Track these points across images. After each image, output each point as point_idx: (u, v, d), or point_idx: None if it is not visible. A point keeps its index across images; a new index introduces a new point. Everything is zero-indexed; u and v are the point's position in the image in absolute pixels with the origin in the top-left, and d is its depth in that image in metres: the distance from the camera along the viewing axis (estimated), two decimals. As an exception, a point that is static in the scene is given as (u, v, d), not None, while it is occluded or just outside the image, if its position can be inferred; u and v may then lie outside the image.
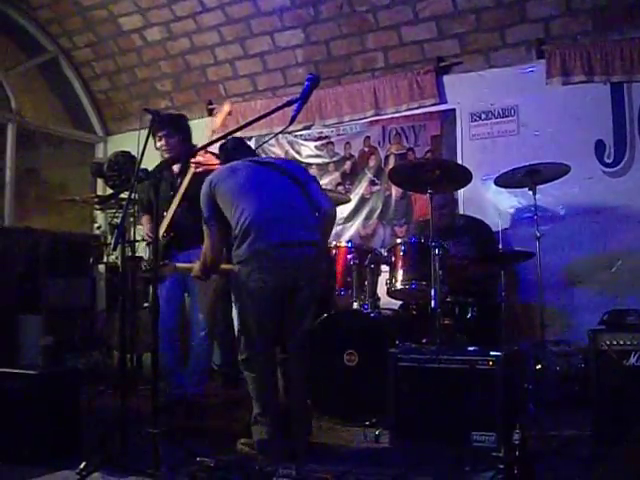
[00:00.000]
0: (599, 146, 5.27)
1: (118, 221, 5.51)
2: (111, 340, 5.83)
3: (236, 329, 3.51)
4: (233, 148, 3.80)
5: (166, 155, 4.37)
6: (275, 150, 6.69)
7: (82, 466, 3.11)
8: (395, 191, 6.10)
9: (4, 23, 7.07)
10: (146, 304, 5.14)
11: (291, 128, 3.31)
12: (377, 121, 6.26)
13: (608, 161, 5.26)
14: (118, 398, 3.49)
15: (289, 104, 3.16)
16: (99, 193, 6.98)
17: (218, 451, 3.36)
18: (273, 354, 3.56)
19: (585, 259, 5.22)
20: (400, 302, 4.83)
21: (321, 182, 5.23)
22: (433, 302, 4.02)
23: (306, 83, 3.17)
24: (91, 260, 6.09)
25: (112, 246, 5.06)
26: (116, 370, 5.49)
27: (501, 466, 3.05)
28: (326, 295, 4.33)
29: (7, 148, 6.97)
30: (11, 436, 3.40)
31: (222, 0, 6.32)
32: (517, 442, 2.63)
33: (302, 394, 3.55)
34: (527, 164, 4.50)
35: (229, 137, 3.55)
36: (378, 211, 6.21)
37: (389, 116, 6.18)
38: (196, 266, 3.65)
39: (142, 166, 3.51)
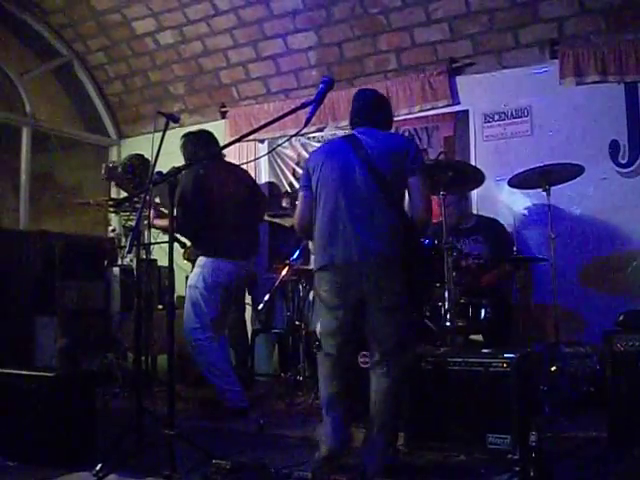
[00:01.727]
0: (613, 146, 5.25)
1: (132, 224, 5.53)
2: (126, 342, 5.85)
3: None
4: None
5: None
6: (288, 152, 6.71)
7: (98, 468, 3.14)
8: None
9: (19, 28, 7.13)
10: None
11: (304, 130, 3.30)
12: (390, 122, 6.25)
13: (622, 161, 5.23)
14: (133, 400, 3.51)
15: (304, 107, 3.16)
16: (113, 196, 7.01)
17: (234, 453, 3.37)
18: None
19: (600, 260, 5.20)
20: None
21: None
22: (447, 303, 4.02)
23: (321, 85, 3.17)
24: (105, 262, 6.11)
25: (127, 249, 5.07)
26: (131, 372, 5.52)
27: (517, 468, 3.05)
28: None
29: (22, 151, 7.02)
30: (27, 437, 3.43)
31: (235, 3, 6.34)
32: (533, 444, 2.62)
33: (381, 411, 3.23)
34: (541, 165, 4.48)
35: None
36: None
37: (402, 117, 6.16)
38: None
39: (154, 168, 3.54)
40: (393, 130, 6.07)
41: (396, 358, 3.22)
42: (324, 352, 3.33)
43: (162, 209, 4.94)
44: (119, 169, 5.83)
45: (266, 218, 6.02)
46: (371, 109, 3.49)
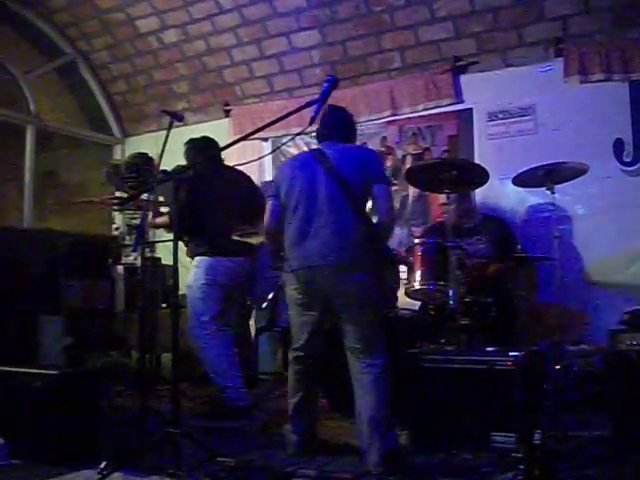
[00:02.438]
0: (618, 145, 5.24)
1: (136, 222, 5.53)
2: (130, 341, 5.86)
3: None
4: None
5: None
6: (292, 150, 6.67)
7: (102, 466, 3.14)
8: (412, 191, 6.09)
9: (23, 27, 7.15)
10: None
11: (308, 129, 3.31)
12: (394, 121, 6.26)
13: (627, 160, 5.22)
14: (137, 398, 3.52)
15: (308, 105, 3.17)
16: (117, 195, 7.02)
17: (238, 451, 3.38)
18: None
19: (604, 259, 5.19)
20: (418, 302, 4.82)
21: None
22: (451, 302, 4.01)
23: (325, 84, 3.18)
24: (110, 261, 6.11)
25: (132, 247, 5.08)
26: (135, 370, 5.52)
27: (521, 467, 3.05)
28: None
29: (26, 150, 7.03)
30: (32, 435, 3.43)
31: (238, 1, 6.34)
32: (538, 442, 2.62)
33: (365, 406, 3.36)
34: (545, 163, 4.47)
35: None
36: (395, 211, 6.20)
37: (406, 116, 6.17)
38: None
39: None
40: (396, 129, 6.20)
41: (369, 355, 3.38)
42: (292, 354, 3.63)
43: (162, 209, 4.96)
44: (122, 168, 5.84)
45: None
46: (338, 126, 3.70)
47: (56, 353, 5.63)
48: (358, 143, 6.21)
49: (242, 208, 4.80)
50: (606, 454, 3.33)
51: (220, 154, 4.91)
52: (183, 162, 4.75)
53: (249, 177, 5.24)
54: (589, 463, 3.20)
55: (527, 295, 4.73)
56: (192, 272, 4.69)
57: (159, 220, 4.87)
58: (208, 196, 4.65)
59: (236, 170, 4.96)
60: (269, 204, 3.67)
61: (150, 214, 4.74)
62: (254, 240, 4.93)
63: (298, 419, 3.59)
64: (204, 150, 4.84)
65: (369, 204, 3.54)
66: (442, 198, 5.08)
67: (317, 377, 3.71)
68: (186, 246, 4.83)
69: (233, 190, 4.84)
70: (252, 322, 6.20)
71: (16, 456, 3.41)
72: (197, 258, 4.67)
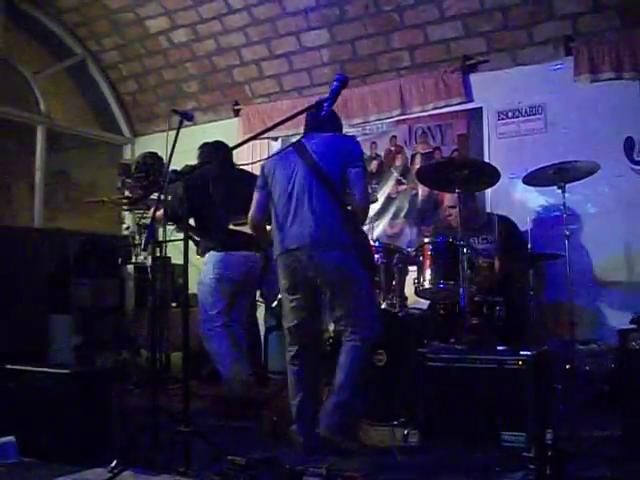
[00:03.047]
0: (628, 143, 5.22)
1: (146, 221, 5.55)
2: (139, 339, 5.88)
3: None
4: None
5: None
6: (301, 150, 6.70)
7: (113, 464, 3.14)
8: (422, 190, 6.09)
9: (33, 27, 7.19)
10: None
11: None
12: (403, 120, 6.26)
13: (638, 159, 5.20)
14: (147, 397, 3.52)
15: (318, 105, 3.17)
16: (127, 194, 7.04)
17: (248, 450, 3.38)
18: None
19: (615, 258, 5.17)
20: (428, 302, 4.81)
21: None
22: (461, 301, 4.00)
23: (335, 84, 3.18)
24: (120, 260, 6.13)
25: (142, 246, 5.11)
26: (144, 369, 5.54)
27: (531, 466, 3.04)
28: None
29: (37, 150, 7.08)
30: (43, 434, 3.44)
31: (248, 1, 6.36)
32: (550, 442, 2.61)
33: (338, 378, 3.55)
34: (556, 162, 4.46)
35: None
36: (405, 210, 6.21)
37: (415, 115, 6.17)
38: None
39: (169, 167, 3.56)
40: (406, 128, 6.19)
41: (354, 330, 3.51)
42: (288, 354, 3.75)
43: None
44: (132, 168, 5.86)
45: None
46: (321, 120, 3.70)
47: (66, 352, 5.66)
48: (367, 142, 6.33)
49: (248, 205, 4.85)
50: (617, 454, 3.32)
51: (231, 156, 4.95)
52: (192, 162, 4.76)
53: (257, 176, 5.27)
54: (600, 463, 3.18)
55: (537, 294, 4.71)
56: (202, 269, 4.74)
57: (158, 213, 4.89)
58: (217, 192, 4.70)
59: (244, 170, 5.01)
60: (255, 196, 3.80)
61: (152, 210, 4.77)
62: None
63: (302, 420, 3.62)
64: (215, 151, 4.88)
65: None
66: (449, 200, 5.09)
67: (316, 376, 3.76)
68: (196, 245, 4.85)
69: (241, 188, 4.86)
70: (261, 321, 6.19)
71: (27, 454, 3.43)
72: (207, 254, 4.72)
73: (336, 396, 3.48)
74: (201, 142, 4.97)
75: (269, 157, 4.03)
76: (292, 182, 3.58)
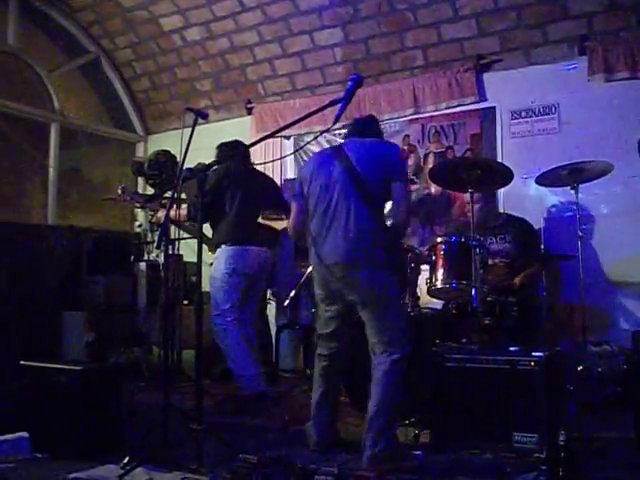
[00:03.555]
0: (643, 144, 5.18)
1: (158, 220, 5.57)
2: (151, 337, 5.90)
3: None
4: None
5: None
6: (313, 149, 6.68)
7: (126, 461, 3.17)
8: (434, 190, 6.08)
9: (47, 25, 7.22)
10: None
11: (332, 127, 3.32)
12: (416, 119, 6.25)
13: (652, 159, 5.16)
14: (159, 394, 3.54)
15: (332, 104, 3.16)
16: (139, 192, 7.07)
17: (260, 448, 3.39)
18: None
19: (628, 259, 5.14)
20: (440, 301, 4.80)
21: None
22: (474, 301, 3.99)
23: (349, 83, 3.18)
24: (132, 258, 6.16)
25: (156, 244, 5.13)
26: (156, 366, 5.56)
27: (543, 467, 3.04)
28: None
29: (51, 147, 7.11)
30: (56, 430, 3.46)
31: (261, 0, 6.36)
32: (563, 443, 2.60)
33: (373, 401, 3.40)
34: (570, 162, 4.44)
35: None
36: (417, 210, 6.19)
37: (428, 114, 6.16)
38: None
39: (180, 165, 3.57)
40: (419, 127, 6.18)
41: (383, 351, 3.39)
42: (317, 351, 3.70)
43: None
44: (145, 166, 5.88)
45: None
46: (360, 124, 3.78)
47: (79, 349, 5.69)
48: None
49: (265, 202, 4.93)
50: (630, 455, 3.31)
51: (249, 154, 4.99)
52: (205, 160, 4.78)
53: (271, 179, 5.35)
54: (613, 464, 3.18)
55: (550, 295, 4.69)
56: (214, 264, 4.76)
57: (182, 212, 4.92)
58: (233, 189, 4.74)
59: (258, 171, 5.05)
60: (294, 204, 3.74)
61: (174, 209, 4.79)
62: (278, 225, 5.03)
63: (319, 415, 3.63)
64: (233, 151, 4.91)
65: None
66: (466, 197, 5.07)
67: (339, 374, 3.75)
68: (207, 244, 4.86)
69: (257, 187, 4.90)
70: (272, 320, 6.21)
71: (40, 450, 3.45)
72: (218, 249, 4.75)
73: (376, 426, 3.31)
74: (214, 140, 4.98)
75: (305, 163, 4.00)
76: (330, 191, 3.48)
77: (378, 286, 3.42)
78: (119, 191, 5.69)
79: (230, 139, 5.06)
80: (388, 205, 3.60)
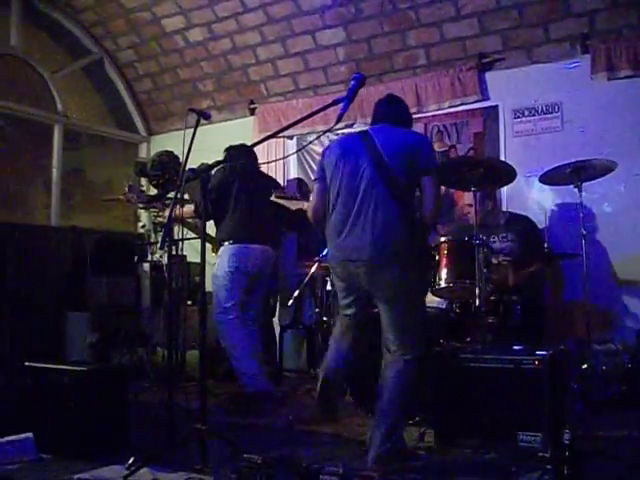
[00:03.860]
0: (646, 142, 5.17)
1: (162, 220, 5.57)
2: (155, 337, 5.90)
3: None
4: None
5: None
6: (316, 148, 6.70)
7: (130, 461, 3.17)
8: (437, 189, 6.06)
9: (50, 26, 7.24)
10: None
11: (334, 127, 3.31)
12: (419, 118, 6.22)
13: (656, 157, 5.16)
14: (163, 394, 3.54)
15: (334, 104, 3.15)
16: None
17: (265, 448, 3.39)
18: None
19: (632, 257, 5.12)
20: (444, 301, 4.80)
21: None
22: (477, 301, 3.99)
23: (352, 82, 3.17)
24: (135, 258, 6.16)
25: (159, 244, 5.15)
26: (160, 367, 5.56)
27: (548, 466, 3.03)
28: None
29: (54, 148, 7.13)
30: (60, 431, 3.46)
31: (263, 0, 6.36)
32: (567, 442, 2.60)
33: (382, 399, 3.35)
34: (573, 161, 4.43)
35: None
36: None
37: (431, 113, 6.16)
38: None
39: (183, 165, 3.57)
40: (422, 126, 6.17)
41: (401, 349, 3.31)
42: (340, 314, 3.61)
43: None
44: (148, 166, 5.88)
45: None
46: (387, 107, 3.61)
47: (83, 349, 5.69)
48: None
49: (269, 202, 5.03)
50: (635, 454, 3.30)
51: (256, 157, 5.12)
52: (208, 161, 4.78)
53: (275, 179, 5.48)
54: (617, 463, 3.17)
55: (554, 294, 4.69)
56: (216, 262, 4.78)
57: (185, 209, 4.92)
58: (236, 186, 4.78)
59: (264, 173, 5.11)
60: (315, 187, 3.62)
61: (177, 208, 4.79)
62: (293, 205, 5.05)
63: (325, 374, 3.55)
64: (239, 154, 4.93)
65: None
66: (468, 198, 5.07)
67: (356, 343, 3.60)
68: (210, 243, 4.88)
69: (261, 190, 4.94)
70: (276, 319, 6.21)
71: (45, 451, 3.45)
72: (221, 247, 4.77)
73: (383, 426, 3.25)
74: (216, 141, 5.02)
75: (329, 146, 3.69)
76: (358, 180, 3.34)
77: (403, 285, 3.30)
78: (126, 189, 5.68)
79: (237, 142, 5.08)
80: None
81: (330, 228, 3.45)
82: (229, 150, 4.98)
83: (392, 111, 3.59)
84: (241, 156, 4.87)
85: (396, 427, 3.29)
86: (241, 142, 5.16)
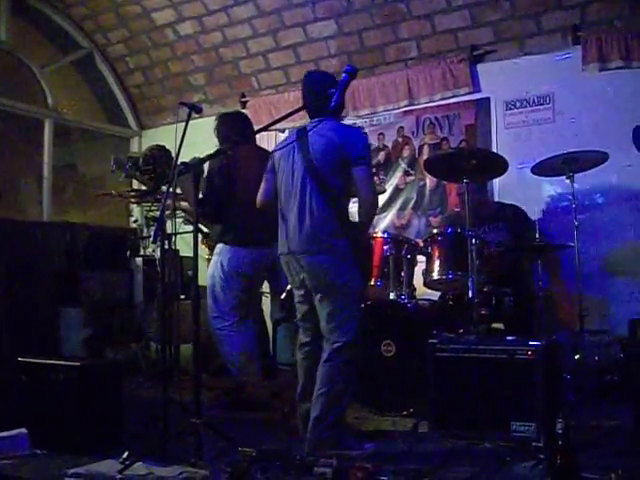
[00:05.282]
0: (638, 133, 5.17)
1: (154, 214, 5.57)
2: (149, 332, 5.90)
3: None
4: None
5: None
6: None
7: (125, 456, 3.17)
8: (429, 181, 6.07)
9: (40, 21, 7.19)
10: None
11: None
12: (411, 111, 6.24)
13: (647, 148, 5.16)
14: (157, 389, 3.54)
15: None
16: (135, 187, 7.05)
17: (259, 441, 3.40)
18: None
19: (624, 248, 5.15)
20: (437, 292, 4.82)
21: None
22: (470, 292, 4.00)
23: (344, 75, 3.17)
24: (128, 253, 6.16)
25: (152, 238, 5.12)
26: (154, 361, 5.56)
27: (541, 456, 3.05)
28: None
29: (45, 144, 7.09)
30: (55, 426, 3.47)
31: (254, -8, 6.34)
32: (560, 432, 2.61)
33: (317, 392, 3.43)
34: (565, 152, 4.44)
35: None
36: (412, 201, 6.19)
37: (423, 106, 6.15)
38: None
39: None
40: (414, 119, 6.17)
41: (332, 338, 3.41)
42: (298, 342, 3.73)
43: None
44: (139, 160, 5.86)
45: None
46: (314, 93, 3.57)
47: (76, 345, 5.68)
48: (375, 133, 6.31)
49: None
50: (627, 444, 3.32)
51: (254, 133, 4.92)
52: (200, 154, 4.74)
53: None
54: (610, 453, 3.19)
55: (546, 285, 4.70)
56: (213, 261, 4.65)
57: (184, 204, 4.88)
58: (242, 176, 4.53)
59: (264, 149, 4.91)
60: (265, 177, 3.73)
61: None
62: None
63: (300, 411, 3.61)
64: (242, 131, 4.76)
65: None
66: (458, 189, 5.08)
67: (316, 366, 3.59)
68: (205, 237, 4.83)
69: (256, 175, 4.80)
70: (268, 312, 6.20)
71: (39, 446, 3.46)
72: (219, 246, 4.62)
73: (313, 410, 3.38)
74: (208, 134, 4.89)
75: (278, 145, 3.86)
76: (292, 179, 3.49)
77: (335, 274, 3.39)
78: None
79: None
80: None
81: (278, 223, 3.60)
82: (224, 118, 4.87)
83: (321, 98, 3.42)
84: (234, 131, 4.72)
85: (327, 414, 3.34)
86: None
